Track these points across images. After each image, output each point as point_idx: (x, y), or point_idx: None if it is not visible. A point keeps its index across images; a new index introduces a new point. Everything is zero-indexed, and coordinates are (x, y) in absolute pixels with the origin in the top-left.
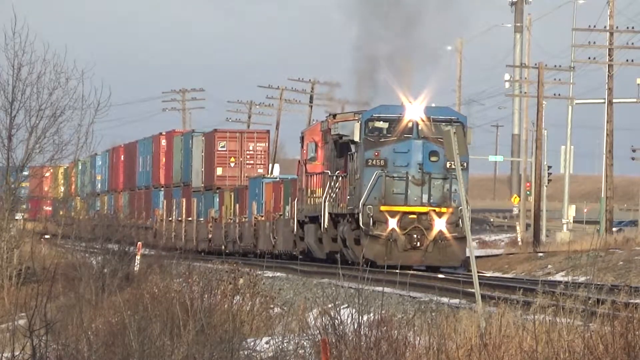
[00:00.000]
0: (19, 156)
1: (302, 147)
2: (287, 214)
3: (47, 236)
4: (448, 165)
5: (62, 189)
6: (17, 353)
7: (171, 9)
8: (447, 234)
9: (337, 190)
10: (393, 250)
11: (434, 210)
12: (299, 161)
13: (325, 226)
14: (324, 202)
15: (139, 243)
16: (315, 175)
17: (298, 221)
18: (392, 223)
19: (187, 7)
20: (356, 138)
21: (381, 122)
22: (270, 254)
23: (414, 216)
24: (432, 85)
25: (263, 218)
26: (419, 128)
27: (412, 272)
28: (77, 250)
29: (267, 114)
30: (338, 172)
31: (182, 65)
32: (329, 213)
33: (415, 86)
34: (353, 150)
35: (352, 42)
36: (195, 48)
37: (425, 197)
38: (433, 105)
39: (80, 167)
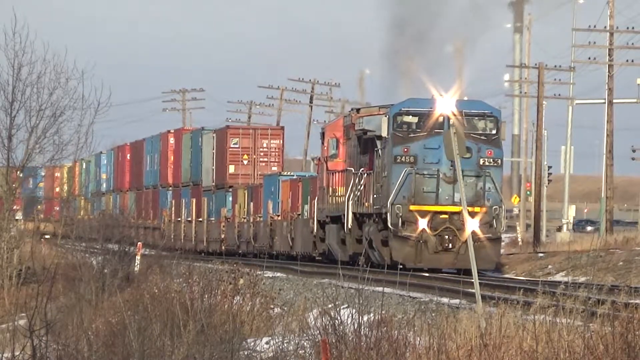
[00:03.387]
0: (19, 156)
1: (323, 143)
2: (306, 214)
3: (47, 236)
4: (481, 162)
5: (65, 188)
6: (17, 353)
7: (171, 8)
8: (481, 235)
9: (361, 188)
10: (423, 252)
11: (469, 210)
12: (319, 158)
13: (349, 227)
14: (347, 201)
15: (139, 243)
16: (337, 173)
17: (318, 221)
18: (423, 223)
19: (187, 7)
20: (383, 133)
21: (410, 117)
22: (284, 253)
23: (446, 216)
24: (463, 78)
25: (280, 218)
26: (451, 123)
27: (439, 274)
28: (78, 251)
29: (268, 114)
30: (362, 169)
31: (182, 65)
32: (353, 213)
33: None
34: (379, 146)
35: (382, 36)
36: (195, 48)
37: (457, 196)
38: (465, 98)
39: (84, 166)
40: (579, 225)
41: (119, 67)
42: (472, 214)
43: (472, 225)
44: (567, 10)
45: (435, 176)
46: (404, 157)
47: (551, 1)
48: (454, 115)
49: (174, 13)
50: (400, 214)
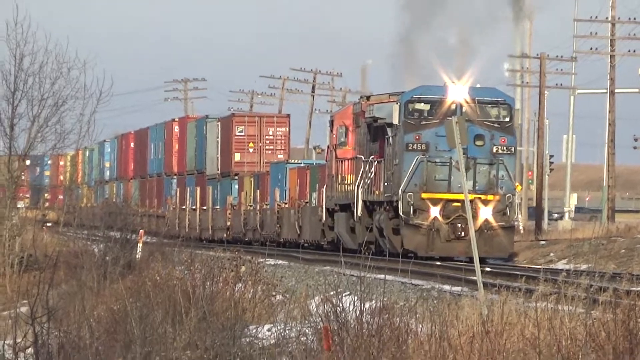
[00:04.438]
0: (21, 145)
1: (332, 131)
2: (314, 202)
3: (49, 224)
4: (495, 149)
5: (67, 176)
6: (19, 340)
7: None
8: (494, 223)
9: (371, 176)
10: (435, 240)
11: (480, 198)
12: (328, 146)
13: (359, 215)
14: (357, 189)
15: (140, 231)
16: (346, 161)
17: (327, 209)
18: (435, 211)
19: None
20: (395, 121)
21: (422, 104)
22: (290, 241)
23: (458, 204)
24: (478, 64)
25: (287, 205)
26: (464, 110)
27: (449, 263)
28: (80, 238)
29: (269, 104)
30: (372, 157)
31: (184, 55)
32: (363, 201)
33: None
34: (390, 134)
35: (395, 24)
36: (197, 38)
37: (470, 184)
38: (478, 85)
39: (87, 155)
40: (580, 212)
41: (121, 57)
42: (486, 202)
43: (485, 213)
44: (569, 1)
45: (448, 164)
46: (415, 144)
47: None
48: (467, 102)
49: (177, 4)
50: (412, 202)
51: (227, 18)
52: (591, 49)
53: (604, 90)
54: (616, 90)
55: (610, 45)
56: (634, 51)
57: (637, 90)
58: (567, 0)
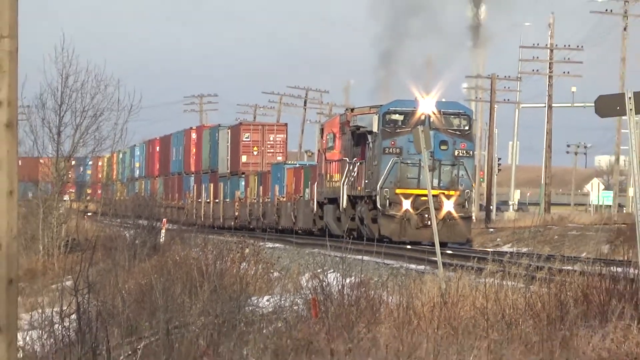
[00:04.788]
0: (66, 149)
1: (322, 137)
2: (307, 196)
3: (89, 213)
4: (456, 153)
5: (104, 174)
6: (64, 308)
7: (191, 26)
8: (455, 214)
9: (354, 175)
10: (407, 228)
11: (444, 193)
12: (319, 150)
13: (344, 207)
14: (343, 185)
15: (164, 219)
16: (333, 162)
17: (318, 202)
18: (406, 204)
19: (205, 24)
20: (374, 129)
21: (397, 115)
22: (287, 229)
23: (426, 198)
24: (443, 82)
25: (284, 199)
26: (431, 120)
27: (417, 247)
28: (114, 225)
29: (270, 115)
30: (355, 159)
31: (199, 74)
32: (347, 195)
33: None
34: (370, 139)
35: (373, 44)
36: (211, 59)
37: (435, 182)
38: (443, 100)
39: (121, 157)
40: (522, 205)
41: (149, 76)
42: (448, 197)
43: (448, 205)
44: (516, 31)
45: (418, 165)
46: (391, 149)
47: (503, 24)
48: (434, 114)
49: (191, 37)
50: (388, 196)
51: (235, 44)
52: (533, 70)
53: (543, 105)
54: (553, 105)
55: (549, 67)
56: (568, 72)
57: (570, 104)
58: (514, 31)
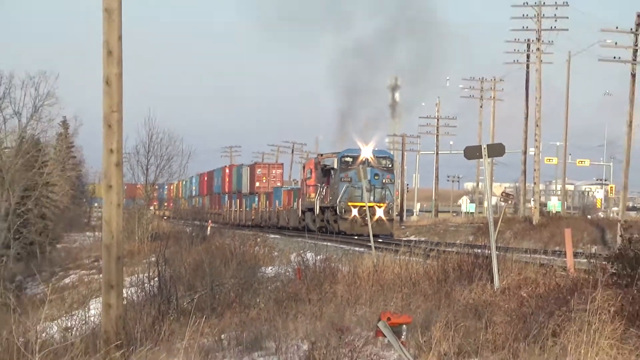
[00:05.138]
0: (151, 178)
1: (304, 171)
2: (295, 207)
3: (165, 217)
4: (384, 181)
5: (174, 194)
6: (151, 274)
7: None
8: (383, 217)
9: (323, 194)
10: (354, 225)
11: (377, 205)
12: (302, 179)
13: (317, 213)
14: (316, 200)
15: (209, 221)
16: (311, 186)
17: (301, 210)
18: (354, 211)
19: (239, 107)
20: (335, 166)
21: (348, 158)
22: (283, 226)
23: (367, 208)
24: (376, 138)
25: (282, 209)
26: (369, 161)
27: (361, 238)
28: (180, 224)
29: (272, 157)
30: (324, 184)
31: (228, 129)
32: (319, 206)
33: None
34: (332, 173)
35: (334, 111)
36: (239, 116)
37: (372, 198)
38: (376, 148)
39: (184, 183)
40: (421, 212)
41: (199, 135)
42: (379, 207)
43: (379, 212)
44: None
45: (361, 188)
46: (345, 178)
47: (410, 96)
48: (371, 157)
49: (230, 114)
50: (343, 207)
51: (250, 116)
52: (427, 131)
53: (433, 152)
54: (439, 152)
55: (437, 130)
56: (448, 133)
57: (449, 152)
58: (416, 108)
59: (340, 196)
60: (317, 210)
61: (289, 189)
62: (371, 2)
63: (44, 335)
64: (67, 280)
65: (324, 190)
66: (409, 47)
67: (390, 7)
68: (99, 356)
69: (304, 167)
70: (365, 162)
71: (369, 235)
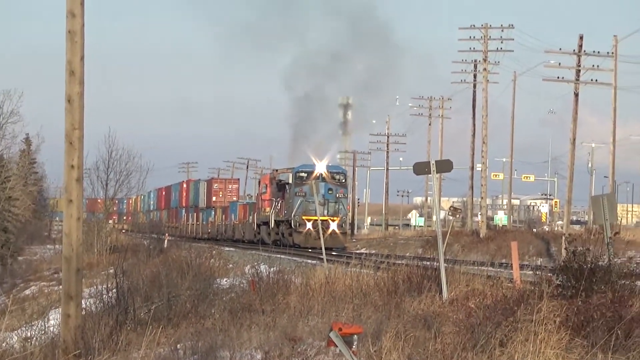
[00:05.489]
0: (110, 193)
1: (259, 186)
2: (250, 220)
3: (124, 230)
4: (337, 195)
5: (132, 208)
6: (109, 285)
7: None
8: (337, 231)
9: (278, 208)
10: (309, 238)
11: (331, 218)
12: (257, 194)
13: (272, 226)
14: (271, 214)
15: (166, 234)
16: (266, 201)
17: (257, 224)
18: (308, 224)
19: (197, 121)
20: (290, 181)
21: (303, 173)
22: (239, 239)
23: (319, 221)
24: (330, 154)
25: (237, 222)
26: (323, 176)
27: (314, 251)
28: (138, 237)
29: (228, 173)
30: (278, 199)
31: (185, 145)
32: (274, 219)
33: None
34: (287, 188)
35: (288, 127)
36: (194, 140)
37: (326, 212)
38: (330, 164)
39: (142, 197)
40: (372, 225)
41: (157, 152)
42: (333, 220)
43: (333, 225)
44: (368, 126)
45: (314, 202)
46: (299, 193)
47: (360, 121)
48: (325, 172)
49: (187, 128)
50: (298, 220)
51: (207, 130)
52: (378, 148)
53: (383, 168)
54: (389, 168)
55: (387, 147)
56: (397, 149)
57: (399, 168)
58: (367, 126)
59: (295, 210)
60: (272, 224)
61: (245, 203)
62: (325, 22)
63: (4, 345)
64: (27, 292)
65: (279, 205)
66: (360, 67)
67: (343, 29)
68: None
69: (259, 182)
70: (320, 177)
71: (320, 248)
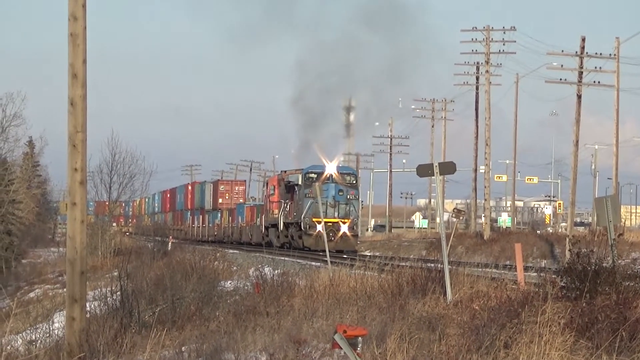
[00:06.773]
0: (114, 196)
1: (267, 188)
2: (258, 223)
3: (128, 233)
4: (348, 196)
5: (137, 210)
6: (113, 288)
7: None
8: (348, 233)
9: (287, 210)
10: (319, 241)
11: (342, 220)
12: (265, 195)
13: (281, 229)
14: (280, 216)
15: (170, 236)
16: (274, 203)
17: (265, 226)
18: (319, 227)
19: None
20: (299, 182)
21: (313, 174)
22: (246, 242)
23: (330, 224)
24: (340, 154)
25: (245, 224)
26: (333, 177)
27: (321, 253)
28: (142, 240)
29: (232, 175)
30: (287, 201)
31: (188, 148)
32: (283, 222)
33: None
34: (297, 189)
35: (297, 133)
36: (197, 135)
37: (336, 214)
38: (340, 165)
39: (146, 200)
40: (376, 227)
41: (163, 155)
42: (344, 222)
43: (344, 228)
44: (370, 129)
45: (325, 204)
46: (309, 194)
47: (365, 118)
48: (336, 173)
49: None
50: (308, 222)
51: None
52: (381, 150)
53: (387, 170)
54: (392, 170)
55: (390, 149)
56: (400, 151)
57: (402, 170)
58: (370, 128)
59: (305, 212)
60: (281, 226)
61: (252, 205)
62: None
63: (8, 347)
64: (32, 295)
65: (288, 207)
66: (366, 68)
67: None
68: None
69: (266, 184)
70: (330, 178)
71: (332, 251)
